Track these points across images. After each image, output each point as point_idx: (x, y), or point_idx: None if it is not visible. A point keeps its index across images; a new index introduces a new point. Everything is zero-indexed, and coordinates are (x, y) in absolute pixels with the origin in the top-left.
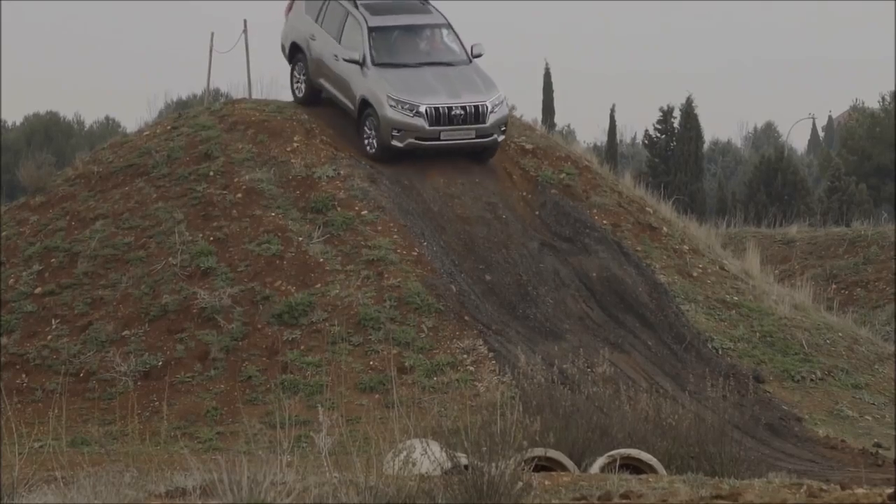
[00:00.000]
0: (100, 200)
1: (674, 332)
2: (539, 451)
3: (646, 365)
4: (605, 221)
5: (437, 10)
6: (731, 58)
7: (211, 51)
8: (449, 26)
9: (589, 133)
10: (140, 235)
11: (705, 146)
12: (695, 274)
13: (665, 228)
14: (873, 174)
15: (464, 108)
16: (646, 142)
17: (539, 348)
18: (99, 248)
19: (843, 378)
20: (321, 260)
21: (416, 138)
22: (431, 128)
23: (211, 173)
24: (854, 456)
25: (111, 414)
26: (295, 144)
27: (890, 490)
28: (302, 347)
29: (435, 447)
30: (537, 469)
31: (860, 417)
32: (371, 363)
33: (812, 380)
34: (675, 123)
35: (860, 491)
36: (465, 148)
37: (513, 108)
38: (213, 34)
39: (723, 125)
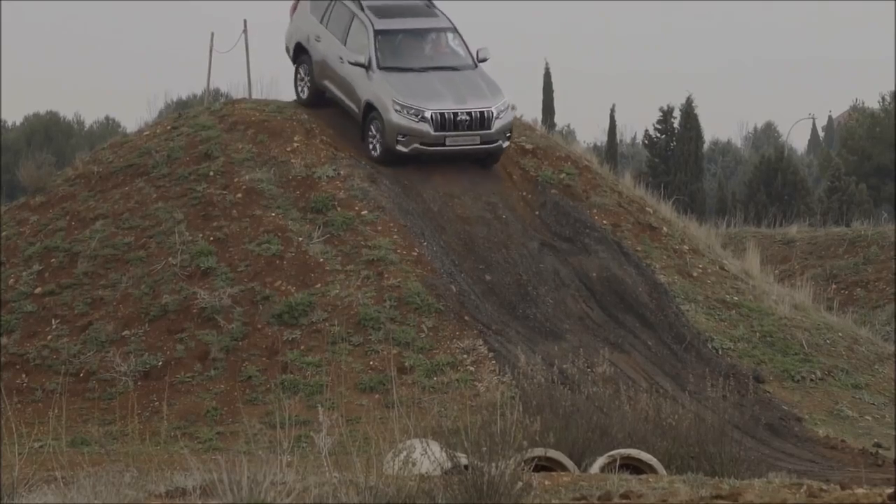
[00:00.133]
0: (100, 200)
1: (674, 332)
2: (539, 451)
3: (646, 365)
4: (605, 221)
5: (442, 13)
6: (731, 58)
7: (211, 51)
8: (455, 30)
9: (589, 133)
10: (140, 235)
11: (705, 146)
12: (695, 274)
13: (665, 228)
14: (873, 174)
15: (469, 114)
16: (646, 142)
17: (539, 348)
18: (99, 248)
19: (843, 378)
20: (321, 260)
21: (421, 144)
22: (437, 133)
23: (211, 173)
24: (854, 456)
25: (111, 414)
26: (295, 144)
27: (890, 490)
28: (302, 347)
29: (435, 447)
30: (537, 469)
31: (860, 417)
32: (371, 363)
33: (812, 380)
34: (675, 123)
35: (860, 491)
36: (470, 154)
37: (513, 107)
38: (213, 34)
39: (723, 125)
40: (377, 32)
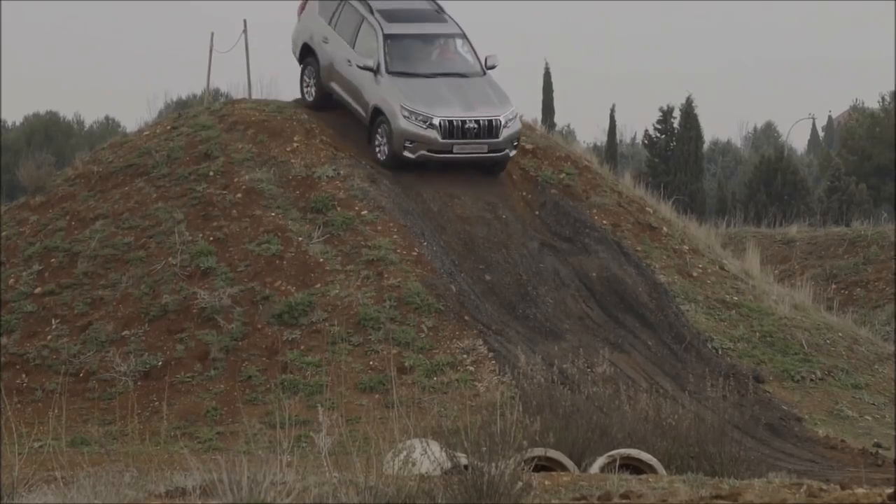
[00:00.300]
0: (100, 200)
1: (674, 332)
2: (539, 451)
3: (646, 365)
4: (605, 221)
5: (452, 19)
6: (731, 58)
7: (211, 51)
8: (464, 36)
9: (589, 133)
10: (140, 235)
11: (705, 146)
12: (695, 274)
13: (665, 228)
14: (873, 174)
15: (477, 121)
16: (646, 142)
17: (539, 348)
18: (99, 248)
19: (843, 378)
20: (321, 260)
21: (428, 150)
22: (444, 141)
23: (211, 173)
24: (854, 456)
25: (111, 414)
26: (295, 144)
27: (890, 490)
28: (302, 347)
29: (435, 447)
30: (537, 469)
31: (860, 417)
32: (371, 363)
33: (812, 380)
34: (675, 123)
35: (860, 491)
36: (477, 162)
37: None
38: (213, 34)
39: (723, 125)
40: (387, 37)
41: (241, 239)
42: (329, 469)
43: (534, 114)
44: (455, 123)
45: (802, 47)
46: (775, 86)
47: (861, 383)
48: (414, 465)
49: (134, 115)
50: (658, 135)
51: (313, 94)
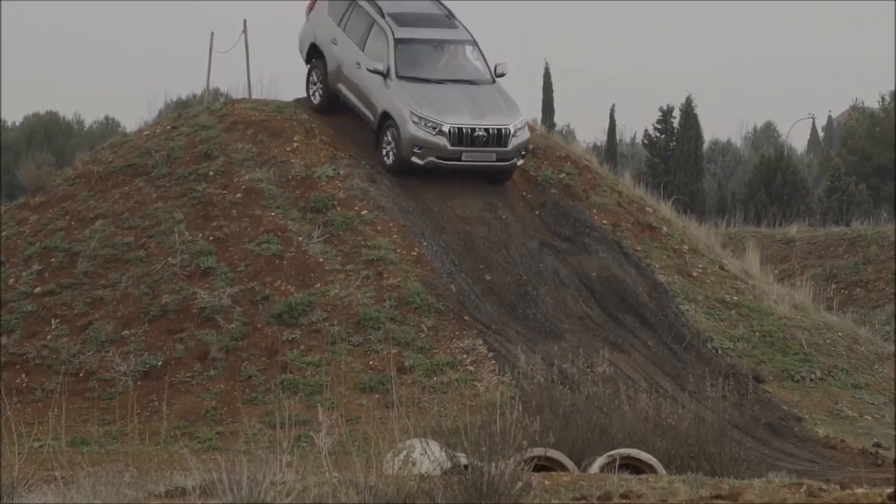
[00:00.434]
0: (100, 200)
1: (674, 331)
2: (539, 451)
3: (646, 365)
4: (604, 221)
5: (462, 25)
6: (731, 58)
7: (211, 51)
8: (474, 43)
9: (589, 133)
10: (140, 235)
11: (705, 146)
12: (695, 274)
13: (665, 228)
14: (873, 174)
15: (487, 130)
16: (646, 142)
17: (539, 348)
18: (99, 248)
19: (842, 378)
20: (321, 260)
21: (437, 157)
22: (453, 148)
23: (211, 173)
24: (854, 456)
25: (111, 414)
26: (295, 144)
27: (890, 490)
28: (302, 347)
29: (435, 447)
30: (537, 469)
31: (860, 417)
32: (371, 363)
33: (812, 380)
34: (675, 123)
35: (860, 491)
36: (484, 170)
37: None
38: (213, 34)
39: (723, 125)
40: (397, 41)
41: (240, 239)
42: (329, 469)
43: (534, 114)
44: (464, 131)
45: (802, 47)
46: (775, 86)
47: (861, 383)
48: (414, 464)
49: (134, 115)
50: (658, 135)
51: (319, 96)
